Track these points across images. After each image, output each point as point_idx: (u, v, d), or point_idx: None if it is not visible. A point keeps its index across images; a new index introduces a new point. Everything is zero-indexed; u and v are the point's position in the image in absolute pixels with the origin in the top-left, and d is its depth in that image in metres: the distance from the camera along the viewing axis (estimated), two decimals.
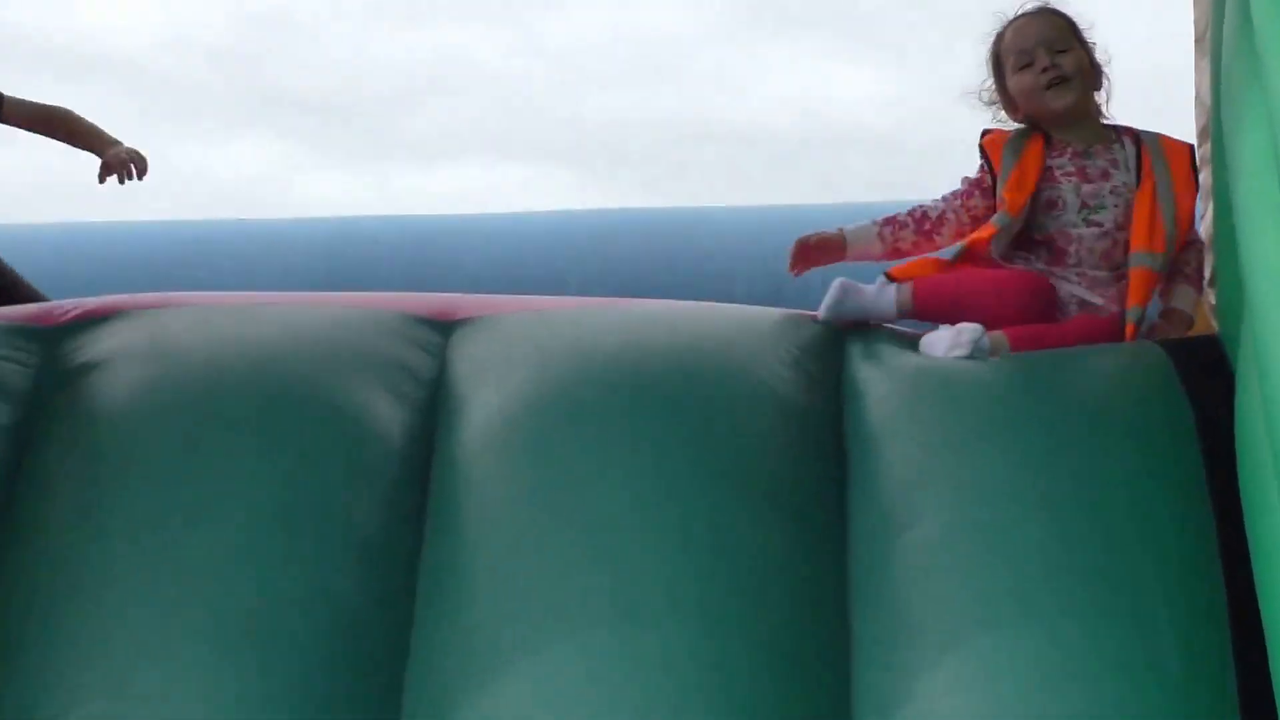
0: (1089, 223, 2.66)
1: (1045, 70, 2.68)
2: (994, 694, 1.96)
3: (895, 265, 2.74)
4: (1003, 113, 2.84)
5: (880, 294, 2.60)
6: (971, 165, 2.83)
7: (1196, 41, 2.90)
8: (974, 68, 2.87)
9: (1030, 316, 2.57)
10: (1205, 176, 2.81)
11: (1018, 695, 1.95)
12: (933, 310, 2.58)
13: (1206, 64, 2.66)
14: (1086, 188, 2.67)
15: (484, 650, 2.13)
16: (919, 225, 2.76)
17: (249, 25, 9.48)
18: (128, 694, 2.10)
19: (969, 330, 2.45)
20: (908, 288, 2.60)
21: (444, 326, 2.64)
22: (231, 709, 2.08)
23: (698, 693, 2.06)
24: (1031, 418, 2.35)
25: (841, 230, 2.80)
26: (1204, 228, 2.87)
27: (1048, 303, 2.61)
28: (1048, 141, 2.73)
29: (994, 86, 2.82)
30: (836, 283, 2.56)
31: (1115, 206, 2.66)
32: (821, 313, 2.56)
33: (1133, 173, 2.69)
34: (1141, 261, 2.63)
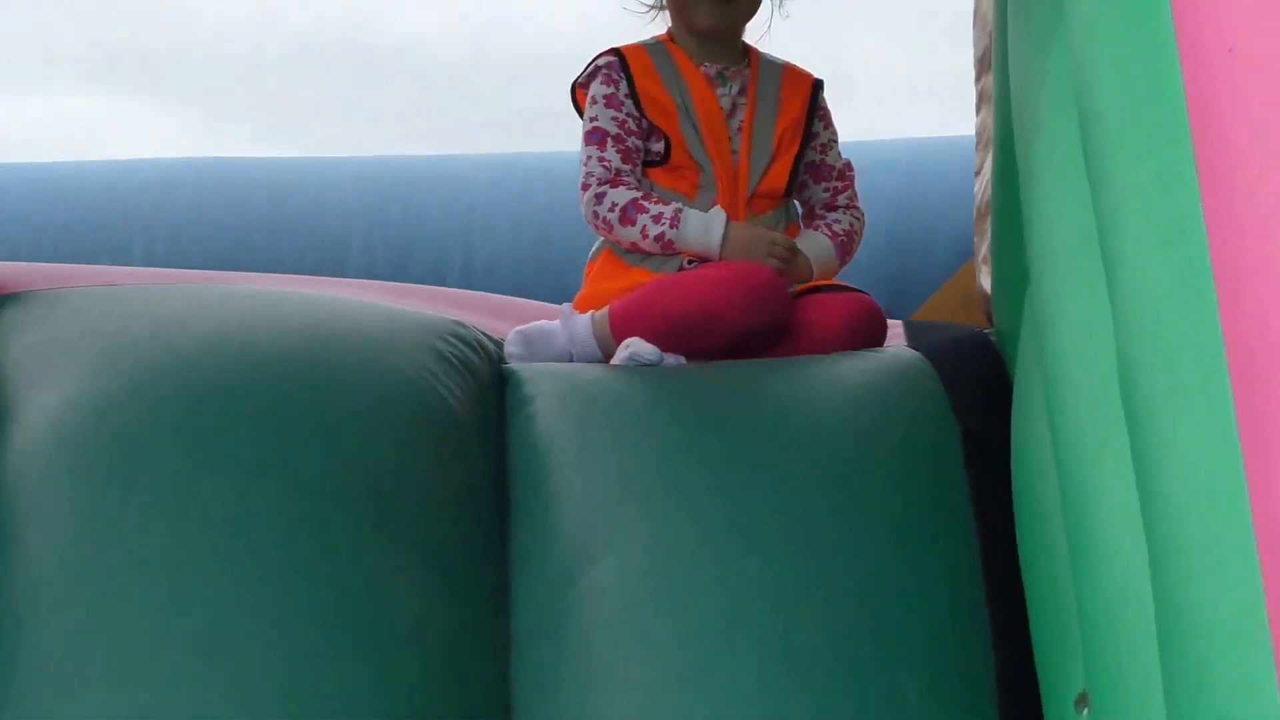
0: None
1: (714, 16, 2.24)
2: None
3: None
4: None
5: (574, 330, 2.14)
6: None
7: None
8: None
9: (762, 324, 2.12)
10: (984, 118, 2.44)
11: None
12: (642, 336, 2.10)
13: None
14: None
15: None
16: None
17: None
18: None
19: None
20: (604, 316, 2.14)
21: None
22: None
23: None
24: (751, 448, 1.95)
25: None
26: (978, 186, 2.53)
27: (784, 300, 2.15)
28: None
29: None
30: (514, 334, 2.13)
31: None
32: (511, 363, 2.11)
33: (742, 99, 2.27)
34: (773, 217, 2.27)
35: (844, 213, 2.32)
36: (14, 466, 1.81)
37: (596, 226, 2.20)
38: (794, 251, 2.18)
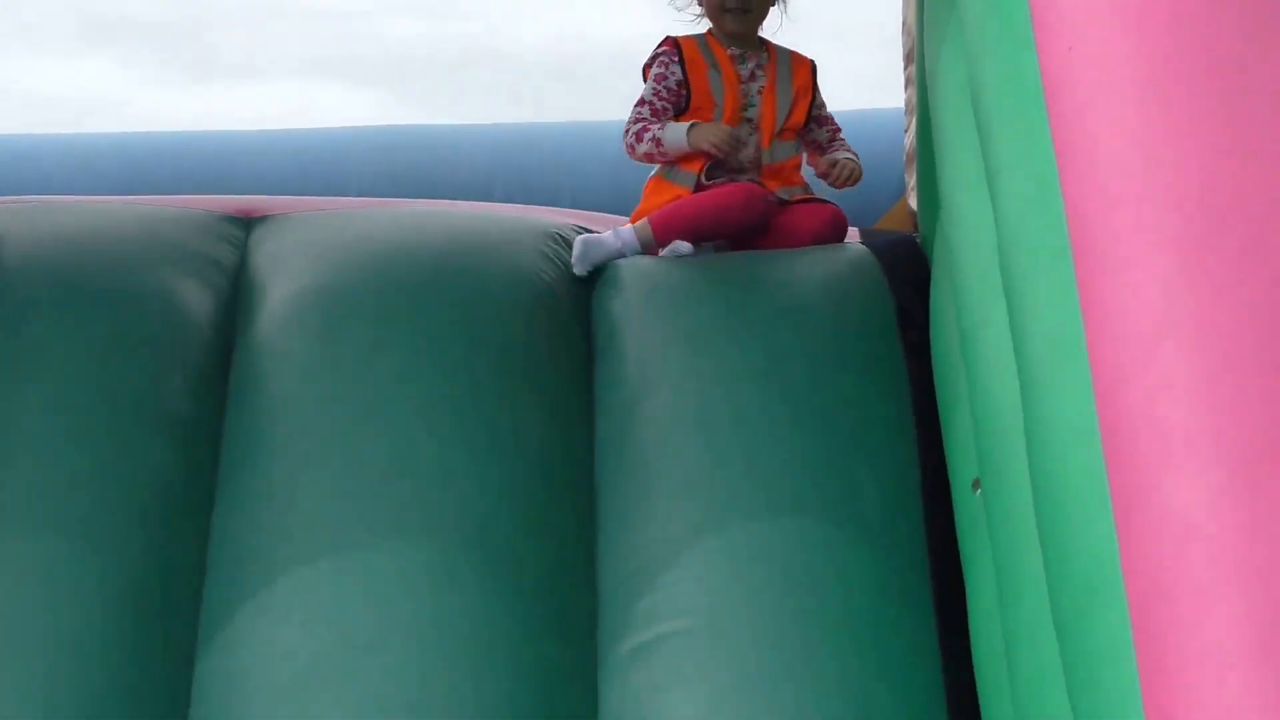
0: (745, 120, 3.08)
1: (729, 39, 3.10)
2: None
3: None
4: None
5: (622, 236, 2.90)
6: None
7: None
8: None
9: (754, 220, 2.95)
10: (910, 95, 3.24)
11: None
12: (675, 235, 2.91)
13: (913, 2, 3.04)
14: (753, 102, 3.09)
15: (267, 553, 2.42)
16: None
17: None
18: None
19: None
20: (645, 224, 2.92)
21: (245, 223, 2.94)
22: (57, 572, 2.33)
23: (463, 552, 2.42)
24: (755, 312, 2.78)
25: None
26: (907, 141, 3.31)
27: (764, 202, 2.96)
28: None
29: None
30: (578, 240, 2.87)
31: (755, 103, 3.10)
32: (576, 269, 2.85)
33: (762, 77, 3.11)
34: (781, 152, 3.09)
35: (844, 149, 3.11)
36: (263, 330, 2.63)
37: (629, 147, 3.01)
38: (735, 139, 2.96)
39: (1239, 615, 1.31)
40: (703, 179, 2.98)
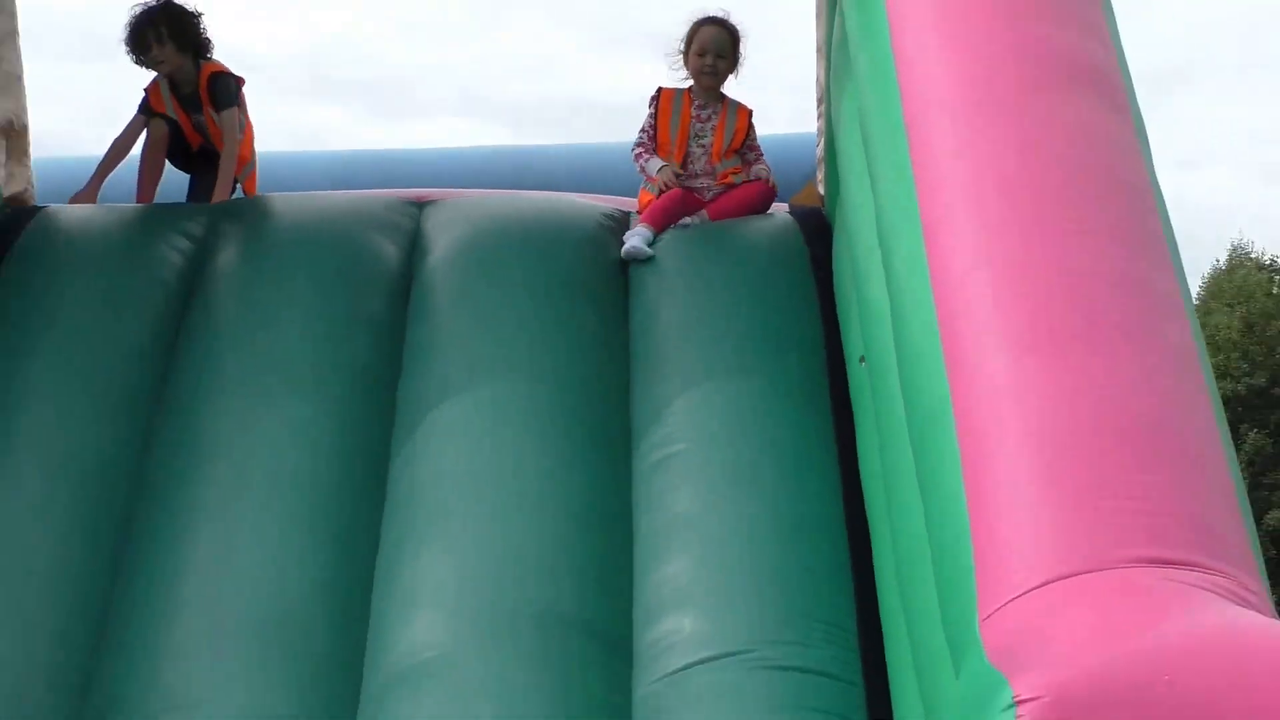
0: (699, 145, 4.60)
1: (707, 67, 4.56)
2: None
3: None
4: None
5: (644, 237, 4.43)
6: None
7: (818, 50, 4.66)
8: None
9: (690, 209, 4.58)
10: (820, 124, 4.63)
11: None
12: (661, 224, 4.44)
13: (823, 61, 4.43)
14: (696, 125, 4.71)
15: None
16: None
17: None
18: None
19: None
20: (647, 225, 4.49)
21: (420, 204, 4.57)
22: (303, 427, 3.84)
23: (556, 412, 3.82)
24: (716, 257, 4.34)
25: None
26: (819, 150, 4.73)
27: (692, 198, 4.60)
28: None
29: (682, 52, 4.64)
30: (624, 250, 4.38)
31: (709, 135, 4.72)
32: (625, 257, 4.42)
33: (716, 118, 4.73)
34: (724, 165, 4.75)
35: (760, 163, 4.61)
36: (430, 268, 4.14)
37: (636, 159, 4.56)
38: (675, 176, 4.52)
39: (1024, 432, 2.29)
40: (662, 189, 4.57)
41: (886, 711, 3.31)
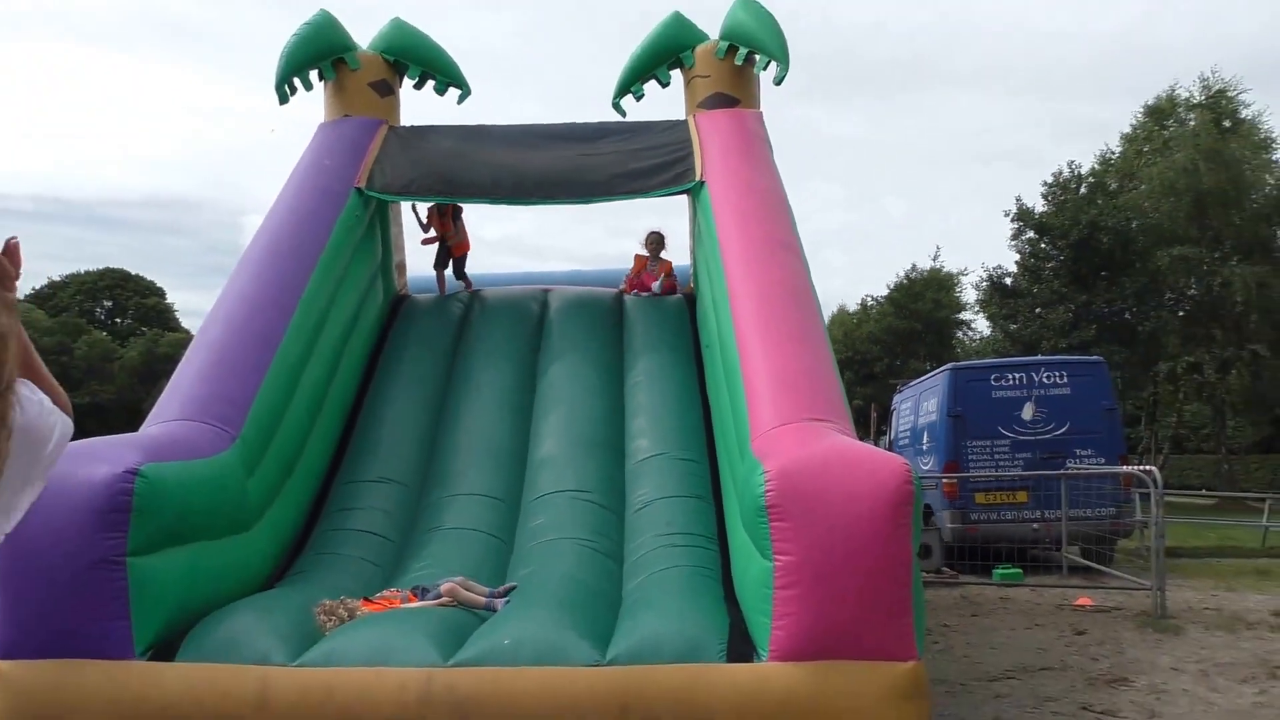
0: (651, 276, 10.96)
1: (651, 246, 11.05)
2: None
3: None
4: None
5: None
6: None
7: (690, 235, 11.05)
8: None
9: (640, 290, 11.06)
10: (691, 261, 11.14)
11: None
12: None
13: (692, 239, 10.82)
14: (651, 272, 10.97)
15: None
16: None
17: None
18: None
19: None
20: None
21: (545, 291, 11.08)
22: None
23: (599, 377, 10.06)
24: (652, 316, 10.60)
25: None
26: (690, 272, 11.19)
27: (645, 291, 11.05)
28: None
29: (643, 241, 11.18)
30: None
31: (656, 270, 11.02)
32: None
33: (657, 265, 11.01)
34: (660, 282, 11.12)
35: (673, 278, 11.10)
36: (549, 322, 10.73)
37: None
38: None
39: (766, 373, 7.05)
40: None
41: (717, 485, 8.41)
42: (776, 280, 8.14)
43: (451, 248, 11.67)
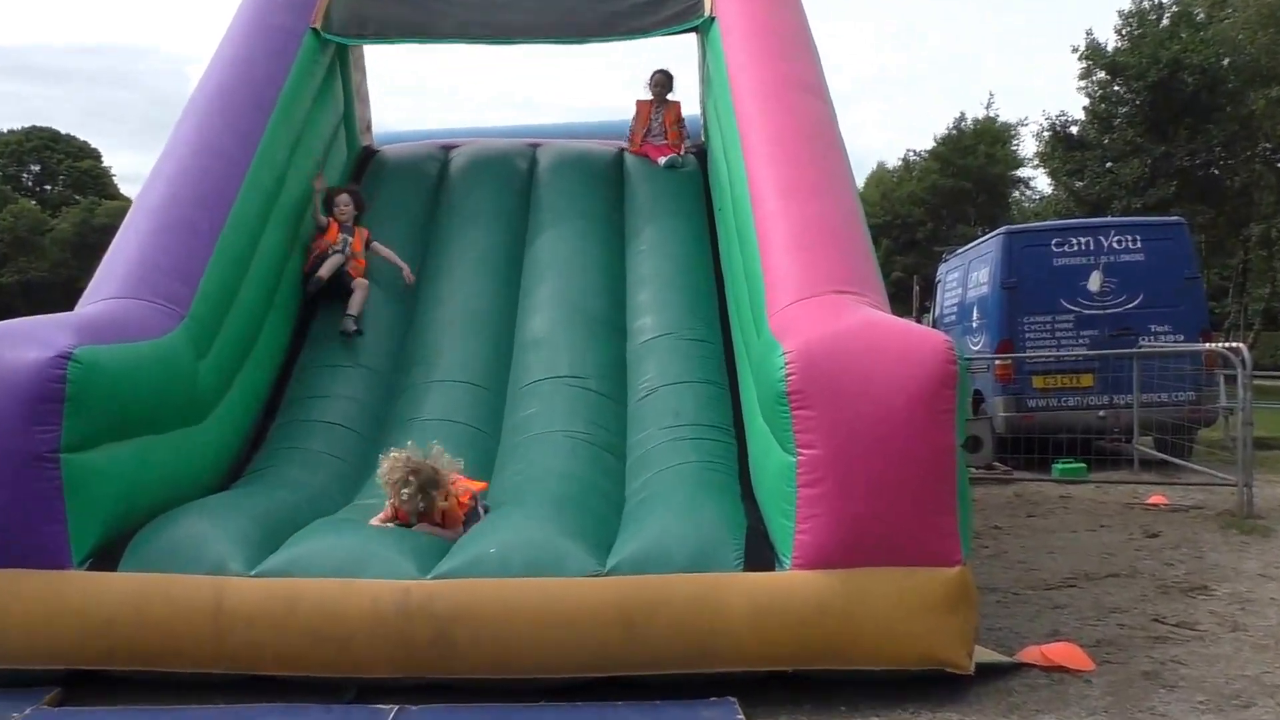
0: (656, 123, 11.01)
1: (656, 92, 11.14)
2: None
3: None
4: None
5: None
6: None
7: (700, 81, 11.00)
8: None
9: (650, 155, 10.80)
10: (702, 108, 10.99)
11: None
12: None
13: (703, 85, 10.77)
14: (656, 121, 11.08)
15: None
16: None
17: None
18: None
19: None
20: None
21: (533, 146, 11.01)
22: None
23: (598, 247, 9.97)
24: (659, 177, 10.64)
25: None
26: (701, 122, 11.08)
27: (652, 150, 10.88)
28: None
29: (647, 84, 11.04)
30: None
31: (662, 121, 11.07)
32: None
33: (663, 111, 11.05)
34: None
35: (684, 139, 10.97)
36: (538, 177, 10.75)
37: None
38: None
39: (784, 232, 6.78)
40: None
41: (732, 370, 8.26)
42: (797, 126, 7.81)
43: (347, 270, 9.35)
